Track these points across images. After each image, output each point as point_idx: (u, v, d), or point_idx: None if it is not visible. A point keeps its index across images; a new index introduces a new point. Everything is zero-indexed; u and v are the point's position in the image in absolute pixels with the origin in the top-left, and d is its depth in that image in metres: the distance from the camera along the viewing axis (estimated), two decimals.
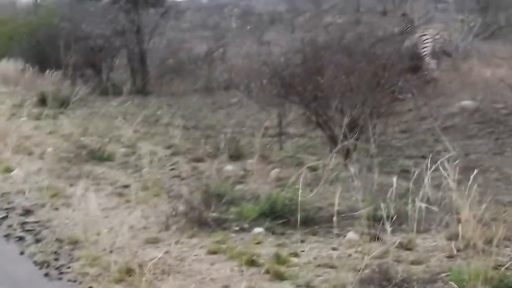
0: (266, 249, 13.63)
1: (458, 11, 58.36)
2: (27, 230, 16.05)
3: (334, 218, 13.69)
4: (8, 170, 21.60)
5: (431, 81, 33.25)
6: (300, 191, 15.88)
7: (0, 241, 15.44)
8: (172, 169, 21.29)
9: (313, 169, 19.57)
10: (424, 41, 36.52)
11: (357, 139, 19.86)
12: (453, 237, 12.76)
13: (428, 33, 37.55)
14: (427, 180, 13.39)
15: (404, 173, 17.10)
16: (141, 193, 18.16)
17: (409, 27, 39.65)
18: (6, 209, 17.81)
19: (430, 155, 13.55)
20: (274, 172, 20.32)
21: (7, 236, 15.68)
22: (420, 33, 37.98)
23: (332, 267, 12.54)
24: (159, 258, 13.31)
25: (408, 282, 11.42)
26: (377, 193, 15.03)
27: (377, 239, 13.35)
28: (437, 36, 37.44)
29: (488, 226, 12.54)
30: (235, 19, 73.34)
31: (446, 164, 13.22)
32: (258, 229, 14.82)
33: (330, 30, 35.75)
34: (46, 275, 13.31)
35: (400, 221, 13.34)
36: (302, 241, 14.09)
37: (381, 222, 13.23)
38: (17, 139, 26.03)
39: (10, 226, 16.42)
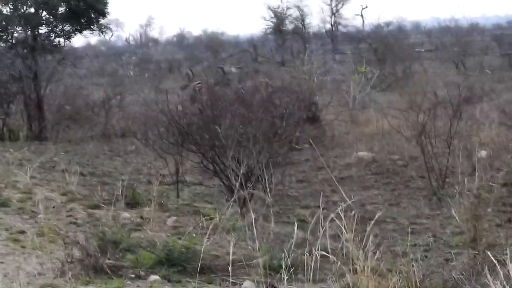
0: None
1: (355, 62, 58.91)
2: None
3: (229, 267, 13.81)
4: None
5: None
6: (197, 240, 16.10)
7: None
8: (68, 216, 21.28)
9: (210, 217, 19.68)
10: None
11: (253, 189, 19.98)
12: (347, 287, 12.91)
13: None
14: (323, 230, 13.52)
15: (301, 222, 17.25)
16: (37, 239, 18.15)
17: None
18: None
19: (327, 206, 13.69)
20: (171, 220, 20.41)
21: None
22: None
23: None
24: None
25: None
26: (273, 243, 15.19)
27: None
28: None
29: (383, 277, 12.70)
30: (132, 66, 73.47)
31: (343, 215, 13.38)
32: (154, 277, 14.89)
33: (228, 79, 35.81)
34: None
35: (296, 270, 13.47)
36: None
37: (278, 271, 13.37)
38: None
39: None
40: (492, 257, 11.85)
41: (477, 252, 15.69)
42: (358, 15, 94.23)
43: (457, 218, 18.07)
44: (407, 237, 16.87)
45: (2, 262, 15.84)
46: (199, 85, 46.96)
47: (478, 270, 12.24)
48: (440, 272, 14.45)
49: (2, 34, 45.90)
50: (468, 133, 27.00)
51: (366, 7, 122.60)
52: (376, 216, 14.93)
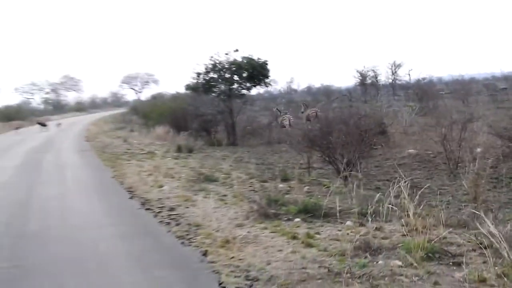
0: (302, 230, 13.63)
1: (406, 100, 58.21)
2: (172, 219, 16.11)
3: (338, 214, 13.72)
4: (161, 186, 21.66)
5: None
6: (320, 199, 16.06)
7: (158, 226, 15.49)
8: (250, 186, 21.30)
9: (327, 187, 19.61)
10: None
11: (351, 171, 19.90)
12: (404, 224, 12.73)
13: None
14: (390, 193, 13.38)
15: (378, 189, 17.04)
16: (233, 199, 18.19)
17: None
18: (159, 207, 17.87)
19: (391, 179, 13.59)
20: (306, 188, 20.36)
21: (161, 223, 15.74)
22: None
23: (338, 240, 12.53)
24: (243, 235, 13.34)
25: (380, 249, 11.40)
26: (362, 200, 15.03)
27: (363, 225, 13.34)
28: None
29: (424, 218, 12.51)
30: (283, 105, 73.06)
31: (401, 184, 13.22)
32: (297, 219, 14.83)
33: (335, 111, 35.74)
34: (183, 243, 13.36)
35: (376, 216, 13.32)
36: (322, 226, 14.09)
37: (365, 216, 13.21)
38: (165, 170, 26.17)
39: (162, 216, 16.49)
40: (487, 207, 11.59)
41: (476, 205, 15.41)
42: (407, 74, 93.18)
43: (465, 186, 17.78)
44: (437, 196, 16.61)
45: (215, 212, 15.86)
46: (313, 112, 47.92)
47: (478, 215, 11.98)
48: (456, 215, 14.22)
49: (214, 89, 46.30)
50: (470, 139, 26.60)
51: (412, 69, 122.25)
52: (424, 187, 14.74)
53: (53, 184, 25.15)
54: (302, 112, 51.42)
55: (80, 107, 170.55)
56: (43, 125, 73.26)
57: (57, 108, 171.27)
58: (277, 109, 52.60)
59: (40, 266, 12.24)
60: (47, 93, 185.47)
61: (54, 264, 12.31)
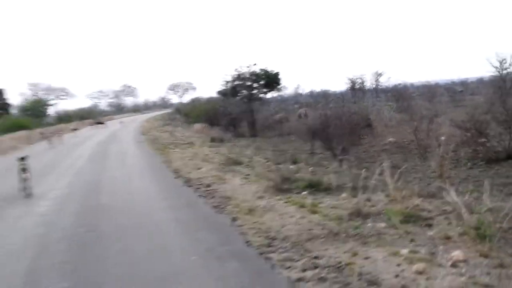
0: (308, 201, 13.60)
1: (386, 101, 58.07)
2: (208, 193, 16.13)
3: (335, 188, 13.72)
4: (199, 168, 21.69)
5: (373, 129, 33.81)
6: (322, 176, 16.05)
7: (198, 199, 15.52)
8: (267, 167, 21.29)
9: (326, 167, 19.57)
10: None
11: (344, 155, 19.92)
12: (387, 195, 12.72)
13: None
14: (376, 172, 13.39)
15: (366, 169, 16.98)
16: (254, 178, 18.17)
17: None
18: (198, 185, 17.89)
19: (376, 161, 13.60)
20: (310, 169, 20.33)
21: (200, 196, 15.76)
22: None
23: (336, 208, 12.51)
24: (263, 205, 13.36)
25: (369, 215, 11.40)
26: (354, 177, 15.00)
27: (355, 196, 13.32)
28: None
29: (402, 190, 12.50)
30: (297, 106, 72.72)
31: (384, 165, 13.23)
32: (304, 192, 14.79)
33: (331, 110, 35.84)
34: (216, 211, 13.38)
35: (365, 189, 13.30)
36: (323, 197, 14.05)
37: (357, 189, 13.20)
38: (202, 156, 26.22)
39: (201, 191, 16.52)
40: (450, 182, 11.57)
41: (442, 180, 15.39)
42: (387, 80, 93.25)
43: (432, 166, 17.75)
44: (411, 174, 16.59)
45: (241, 187, 15.85)
46: (303, 111, 48.67)
47: (443, 188, 11.98)
48: (426, 189, 14.21)
49: (238, 93, 46.48)
50: (435, 130, 26.54)
51: (390, 77, 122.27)
52: (402, 167, 14.71)
53: (116, 168, 25.31)
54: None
55: (136, 109, 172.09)
56: (100, 123, 73.70)
57: (118, 109, 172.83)
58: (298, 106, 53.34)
59: (110, 230, 12.34)
60: (111, 98, 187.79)
61: (120, 229, 12.40)
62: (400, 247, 9.20)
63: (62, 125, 69.72)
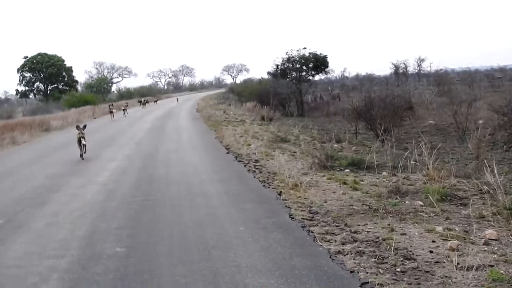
0: (350, 178, 13.55)
1: (428, 85, 57.27)
2: (256, 168, 16.15)
3: (375, 166, 13.59)
4: (249, 144, 21.73)
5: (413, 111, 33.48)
6: (364, 155, 15.94)
7: (247, 173, 15.55)
8: (313, 146, 21.24)
9: (368, 147, 19.41)
10: None
11: (386, 136, 19.74)
12: (425, 175, 12.58)
13: None
14: (414, 152, 13.23)
15: (406, 149, 16.80)
16: (300, 155, 18.11)
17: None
18: (248, 160, 17.92)
19: (416, 142, 13.45)
20: (353, 148, 20.22)
21: (248, 171, 15.78)
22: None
23: (376, 185, 12.44)
24: (307, 181, 13.32)
25: (407, 193, 11.30)
26: (395, 157, 14.85)
27: (394, 175, 13.20)
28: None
29: (439, 170, 12.35)
30: (338, 87, 72.08)
31: (423, 146, 13.07)
32: (347, 170, 14.74)
33: (375, 93, 35.47)
34: (264, 185, 13.38)
35: (405, 169, 13.17)
36: (364, 175, 13.99)
37: (397, 168, 13.06)
38: (252, 133, 26.26)
39: (250, 166, 16.54)
40: (486, 163, 11.37)
41: (478, 161, 15.16)
42: (429, 66, 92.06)
43: (470, 147, 17.49)
44: (449, 155, 16.35)
45: (287, 164, 15.80)
46: (336, 93, 48.64)
47: (479, 169, 11.81)
48: (463, 169, 14.01)
49: (288, 75, 46.35)
50: (474, 113, 26.13)
51: (432, 62, 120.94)
52: (440, 148, 14.52)
53: (173, 141, 25.52)
54: (330, 93, 52.96)
55: (192, 88, 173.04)
56: (144, 103, 70.16)
57: (176, 88, 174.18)
58: (331, 89, 52.83)
59: (164, 199, 12.44)
60: (169, 77, 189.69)
61: (174, 198, 12.50)
62: (436, 224, 9.13)
63: (123, 101, 70.17)
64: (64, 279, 7.37)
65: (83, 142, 20.68)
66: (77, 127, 21.49)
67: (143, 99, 74.02)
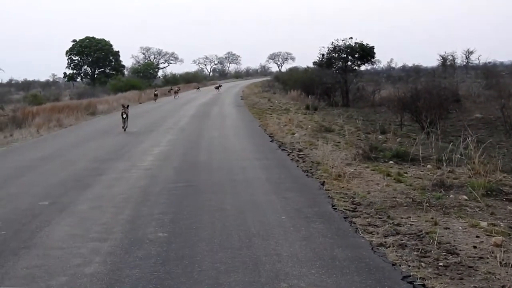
0: (394, 170, 13.45)
1: (475, 77, 56.50)
2: (300, 157, 16.14)
3: (420, 159, 13.45)
4: (293, 133, 21.70)
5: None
6: (408, 147, 15.80)
7: (290, 162, 15.54)
8: (357, 136, 21.13)
9: (413, 139, 19.20)
10: None
11: (432, 128, 19.53)
12: (470, 169, 12.41)
13: None
14: (461, 145, 13.08)
15: (451, 142, 16.59)
16: (344, 145, 18.06)
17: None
18: (291, 149, 17.92)
19: (462, 136, 13.27)
20: (398, 140, 20.07)
21: (292, 160, 15.78)
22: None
23: (421, 178, 12.32)
24: (351, 171, 13.25)
25: (452, 186, 11.18)
26: (440, 150, 14.67)
27: (439, 168, 13.05)
28: None
29: (485, 165, 12.18)
30: (384, 79, 71.43)
31: (469, 139, 12.92)
32: (391, 162, 14.64)
33: (422, 84, 35.01)
34: (307, 175, 13.36)
35: (449, 161, 13.02)
36: (409, 167, 13.88)
37: (441, 161, 12.91)
38: (296, 122, 26.21)
39: (293, 155, 16.53)
40: None
41: None
42: (477, 58, 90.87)
43: None
44: (496, 149, 16.10)
45: (331, 154, 15.77)
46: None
47: None
48: (510, 164, 13.84)
49: (333, 65, 46.08)
50: None
51: (481, 55, 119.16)
52: (487, 142, 14.36)
53: (216, 128, 25.68)
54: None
55: (238, 75, 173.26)
56: (176, 91, 66.41)
57: (222, 75, 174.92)
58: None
59: (206, 185, 12.51)
60: (215, 64, 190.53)
61: (216, 184, 12.57)
62: (480, 219, 9.00)
63: (169, 87, 70.64)
64: (106, 262, 7.45)
65: (124, 116, 25.52)
66: (122, 106, 26.87)
67: (175, 87, 65.44)
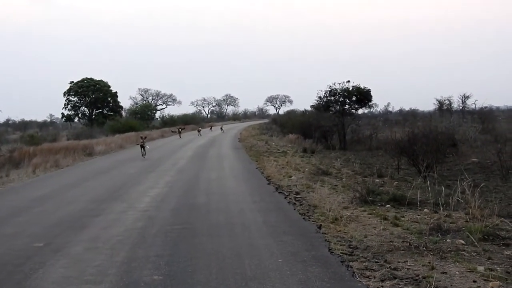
0: (391, 213, 13.45)
1: (472, 122, 56.72)
2: (297, 200, 16.11)
3: (418, 202, 13.45)
4: (290, 176, 21.70)
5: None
6: (405, 191, 15.79)
7: (287, 205, 15.52)
8: (354, 179, 21.16)
9: (410, 183, 19.20)
10: None
11: (429, 172, 19.61)
12: (468, 213, 12.41)
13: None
14: (458, 190, 13.10)
15: (448, 186, 16.61)
16: (342, 188, 18.07)
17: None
18: (288, 191, 17.90)
19: (459, 180, 13.31)
20: (395, 183, 20.09)
21: (289, 202, 15.74)
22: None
23: (418, 222, 12.32)
24: (348, 215, 13.24)
25: (449, 231, 11.17)
26: (437, 194, 14.67)
27: (436, 212, 13.05)
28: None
29: (482, 209, 12.19)
30: (382, 122, 71.74)
31: (466, 185, 12.96)
32: (388, 205, 14.62)
33: (419, 128, 35.17)
34: (304, 218, 13.32)
35: (446, 205, 13.01)
36: (406, 211, 13.88)
37: (438, 205, 12.91)
38: (294, 165, 26.22)
39: (290, 198, 16.51)
40: None
41: None
42: (473, 103, 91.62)
43: None
44: (492, 194, 16.13)
45: (328, 197, 15.73)
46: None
47: None
48: (506, 208, 13.85)
49: (331, 108, 46.47)
50: None
51: (477, 100, 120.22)
52: (483, 187, 14.35)
53: (214, 170, 25.68)
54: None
55: (236, 117, 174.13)
56: (179, 131, 68.26)
57: (219, 117, 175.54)
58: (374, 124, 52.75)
59: (203, 228, 12.48)
60: (213, 106, 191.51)
61: (213, 227, 12.53)
62: (477, 264, 8.99)
63: (167, 129, 70.87)
64: None
65: (143, 145, 34.36)
66: (141, 137, 34.93)
67: (178, 128, 70.54)
